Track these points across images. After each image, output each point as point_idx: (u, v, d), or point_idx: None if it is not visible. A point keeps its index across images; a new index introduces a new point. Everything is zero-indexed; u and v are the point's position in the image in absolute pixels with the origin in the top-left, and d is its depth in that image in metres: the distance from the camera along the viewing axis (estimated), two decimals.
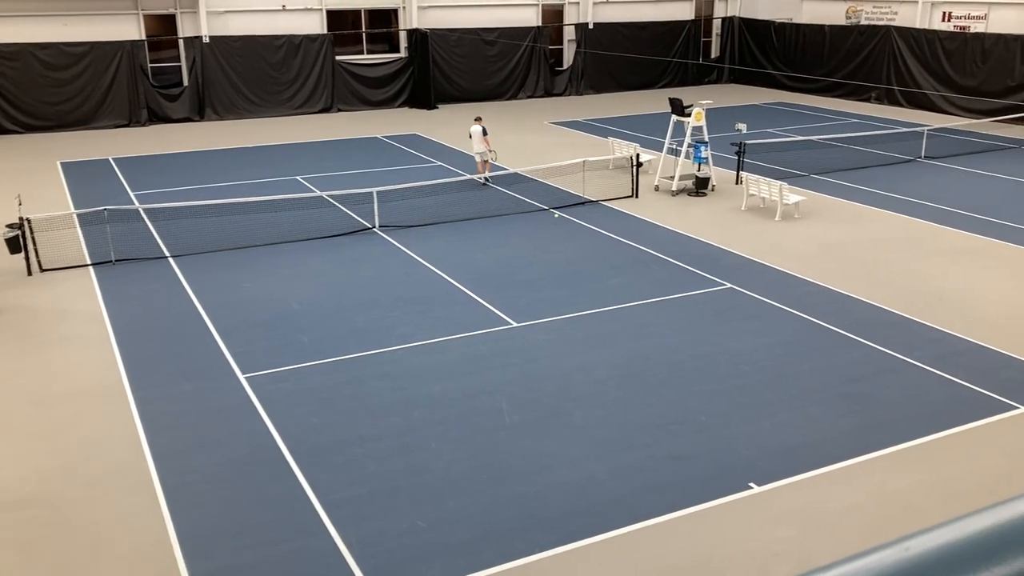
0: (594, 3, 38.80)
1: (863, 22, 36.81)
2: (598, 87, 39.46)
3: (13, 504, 9.29)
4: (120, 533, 8.78)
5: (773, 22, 40.25)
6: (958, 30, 33.21)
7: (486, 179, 22.80)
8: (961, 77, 32.78)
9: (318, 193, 21.19)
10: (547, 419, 10.90)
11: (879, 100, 35.58)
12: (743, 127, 23.33)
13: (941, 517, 7.21)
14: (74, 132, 30.88)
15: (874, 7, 36.55)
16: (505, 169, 23.40)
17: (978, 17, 32.69)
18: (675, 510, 9.04)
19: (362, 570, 8.20)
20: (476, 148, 22.84)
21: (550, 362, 12.49)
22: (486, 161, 22.94)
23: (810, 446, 10.18)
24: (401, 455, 10.12)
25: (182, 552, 8.47)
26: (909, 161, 24.98)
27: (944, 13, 33.89)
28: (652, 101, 36.47)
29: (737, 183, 22.11)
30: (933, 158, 25.24)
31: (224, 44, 32.76)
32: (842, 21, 37.76)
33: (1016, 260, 16.68)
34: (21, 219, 16.34)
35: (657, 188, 22.22)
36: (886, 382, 11.79)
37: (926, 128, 26.85)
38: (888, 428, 10.56)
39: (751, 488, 9.39)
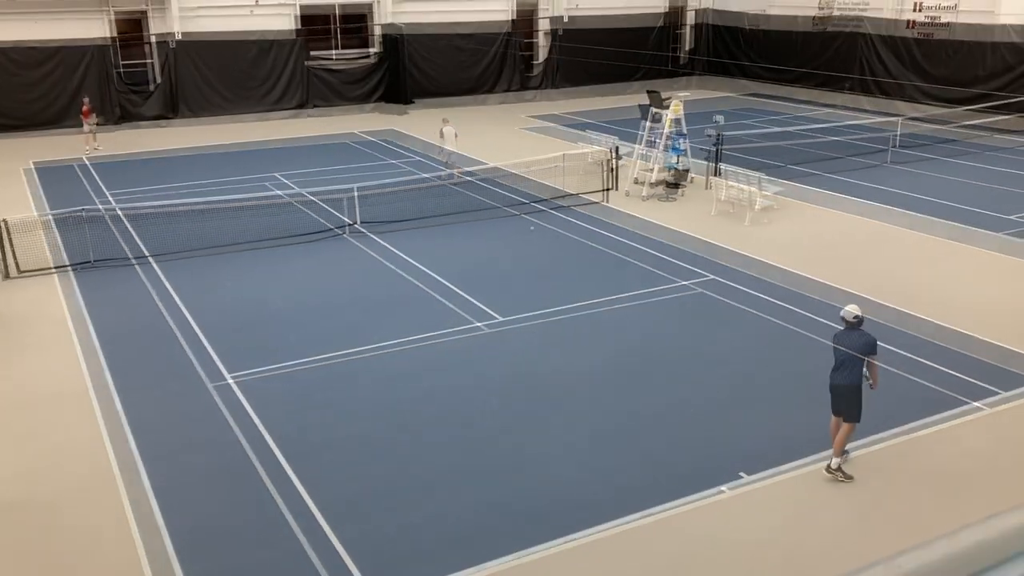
0: (567, 3, 38.80)
1: (830, 29, 36.95)
2: (572, 84, 39.45)
3: None
4: (107, 538, 8.76)
5: (744, 25, 40.48)
6: (923, 36, 33.45)
7: (453, 174, 22.91)
8: (933, 67, 33.11)
9: (290, 199, 21.12)
10: (530, 418, 10.99)
11: (851, 91, 35.73)
12: (720, 119, 23.43)
13: (917, 513, 7.37)
14: (44, 133, 30.46)
15: (841, 12, 36.61)
16: (482, 167, 23.42)
17: (942, 24, 32.90)
18: (659, 507, 9.12)
19: (357, 568, 8.24)
20: (449, 146, 23.06)
21: (531, 362, 12.57)
22: (454, 164, 23.14)
23: (790, 444, 10.27)
24: (387, 454, 10.17)
25: (175, 554, 8.49)
26: (877, 166, 25.03)
27: (909, 21, 34.05)
28: (627, 97, 36.57)
29: (715, 176, 22.23)
30: (901, 162, 25.30)
31: (195, 44, 32.44)
32: (811, 25, 37.89)
33: (983, 260, 16.79)
34: None
35: (636, 183, 22.31)
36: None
37: (895, 129, 27.03)
38: (863, 426, 10.59)
39: (733, 484, 9.52)
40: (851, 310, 9.55)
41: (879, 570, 1.23)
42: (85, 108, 27.08)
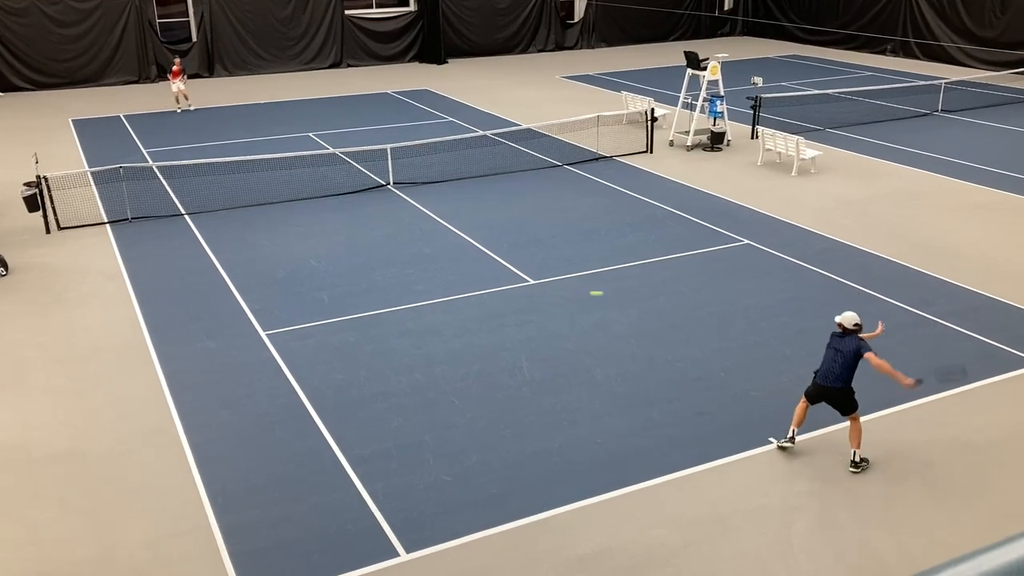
0: None
1: None
2: (609, 40, 39.04)
3: (46, 459, 9.47)
4: (151, 488, 8.95)
5: None
6: None
7: None
8: (979, 28, 32.29)
9: (332, 150, 21.13)
10: (567, 375, 10.99)
11: (894, 52, 35.13)
12: (759, 81, 23.10)
13: (959, 473, 7.27)
14: (84, 89, 30.78)
15: None
16: (518, 125, 23.28)
17: None
18: (696, 464, 9.16)
19: (389, 523, 8.36)
20: None
21: (568, 319, 12.56)
22: None
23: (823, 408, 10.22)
24: (424, 411, 10.24)
25: (212, 506, 8.64)
26: (926, 115, 24.75)
27: None
28: (665, 54, 36.10)
29: (753, 138, 21.97)
30: (950, 111, 24.99)
31: None
32: None
33: None
34: (38, 177, 16.38)
35: (672, 143, 22.09)
36: (902, 337, 11.82)
37: (943, 81, 26.53)
38: (904, 391, 10.60)
39: (771, 443, 9.50)
40: (851, 317, 8.97)
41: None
42: (175, 68, 27.36)
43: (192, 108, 27.23)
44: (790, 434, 9.29)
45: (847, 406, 9.11)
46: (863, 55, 35.55)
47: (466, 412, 10.21)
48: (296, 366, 11.31)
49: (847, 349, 8.87)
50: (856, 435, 9.09)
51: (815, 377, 9.18)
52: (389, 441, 9.66)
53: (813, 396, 9.23)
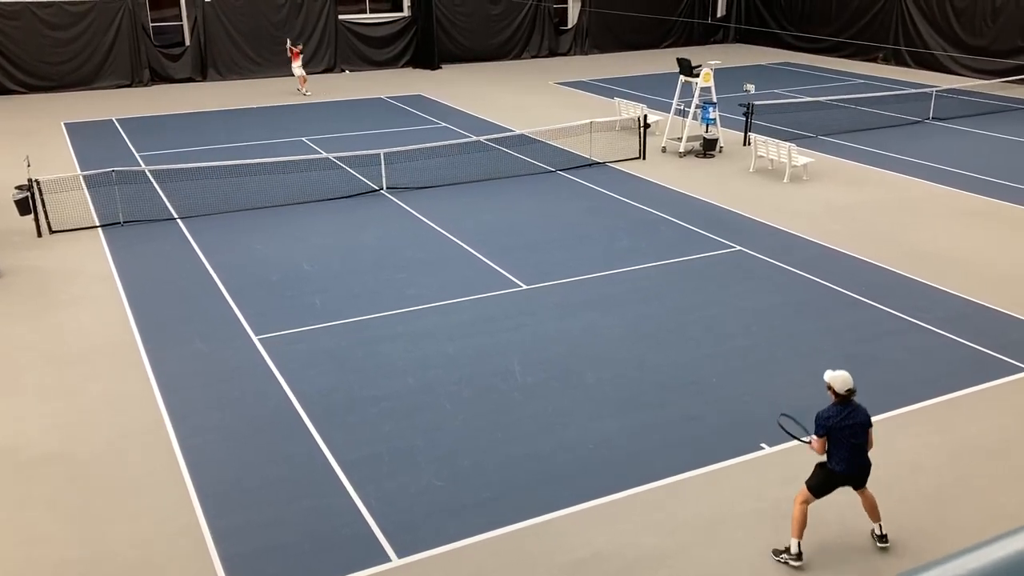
0: None
1: None
2: (603, 47, 39.14)
3: (37, 460, 9.44)
4: (142, 490, 8.92)
5: None
6: None
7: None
8: (970, 37, 32.47)
9: (325, 155, 21.13)
10: (559, 379, 11.00)
11: (886, 60, 35.31)
12: (751, 87, 23.18)
13: (949, 478, 7.30)
14: (76, 92, 30.72)
15: None
16: (511, 131, 23.31)
17: None
18: (687, 469, 9.17)
19: (380, 527, 8.35)
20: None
21: (561, 323, 12.57)
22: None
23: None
24: (416, 415, 10.24)
25: (203, 509, 8.62)
26: (917, 122, 24.87)
27: None
28: (657, 61, 36.21)
29: (745, 144, 22.04)
30: (941, 119, 25.12)
31: (226, 3, 32.42)
32: None
33: (1018, 228, 16.67)
34: (30, 180, 16.34)
35: (664, 150, 22.15)
36: (893, 343, 11.88)
37: (934, 89, 26.67)
38: (895, 389, 10.67)
39: (762, 448, 9.52)
40: (848, 379, 7.65)
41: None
42: (295, 50, 29.57)
43: (308, 95, 29.63)
44: (796, 549, 7.79)
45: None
46: (855, 63, 35.70)
47: (458, 416, 10.21)
48: (288, 370, 11.29)
49: (864, 416, 7.63)
50: (875, 503, 8.03)
51: (840, 473, 7.65)
52: (381, 445, 9.65)
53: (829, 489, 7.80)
